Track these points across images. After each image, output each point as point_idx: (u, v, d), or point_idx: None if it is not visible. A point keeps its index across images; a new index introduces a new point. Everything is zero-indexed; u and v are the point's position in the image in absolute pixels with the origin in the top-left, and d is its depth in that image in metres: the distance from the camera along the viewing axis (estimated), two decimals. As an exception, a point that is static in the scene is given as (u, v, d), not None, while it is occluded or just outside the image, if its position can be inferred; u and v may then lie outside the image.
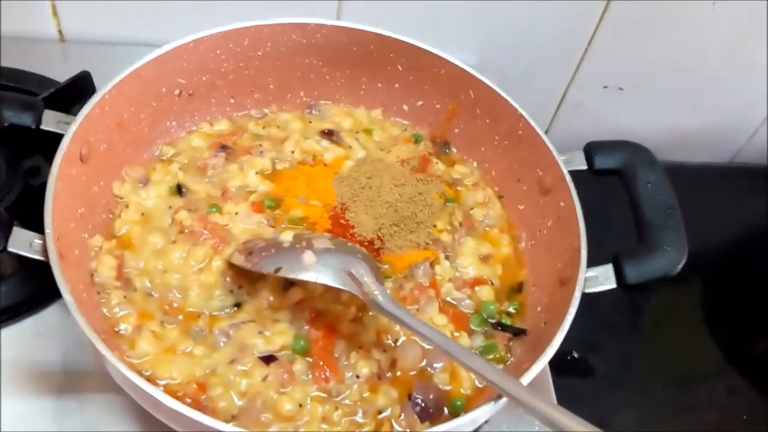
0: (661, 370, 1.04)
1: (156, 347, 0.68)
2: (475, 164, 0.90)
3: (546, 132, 1.30)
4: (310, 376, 0.68)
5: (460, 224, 0.82)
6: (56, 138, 0.70)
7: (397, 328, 0.71)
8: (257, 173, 0.82)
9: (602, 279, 0.71)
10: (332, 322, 0.71)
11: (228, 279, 0.73)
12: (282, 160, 0.84)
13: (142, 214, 0.77)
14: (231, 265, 0.73)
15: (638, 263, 0.70)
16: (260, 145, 0.85)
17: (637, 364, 1.06)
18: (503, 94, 0.82)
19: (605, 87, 1.25)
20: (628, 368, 1.06)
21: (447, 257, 0.79)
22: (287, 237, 0.72)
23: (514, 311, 0.78)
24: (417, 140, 0.90)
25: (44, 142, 0.71)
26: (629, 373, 1.05)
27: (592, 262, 0.71)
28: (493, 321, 0.76)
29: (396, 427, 0.67)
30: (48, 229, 0.62)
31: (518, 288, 0.80)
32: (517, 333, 0.75)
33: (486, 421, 0.62)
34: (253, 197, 0.80)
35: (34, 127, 0.70)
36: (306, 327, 0.70)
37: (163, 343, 0.69)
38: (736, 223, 1.25)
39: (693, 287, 1.14)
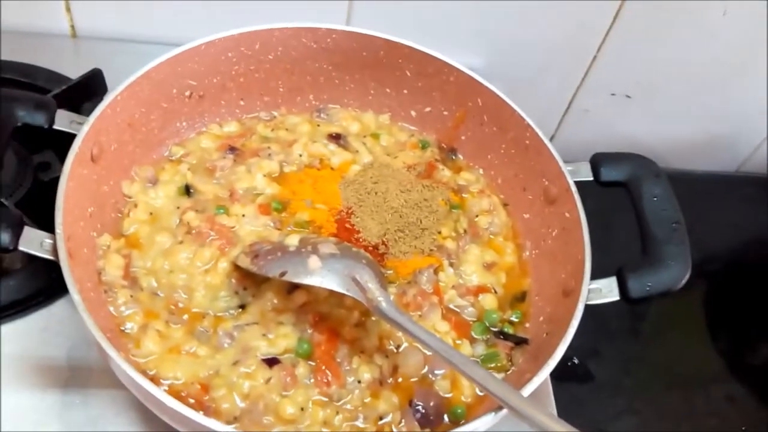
0: (661, 377, 1.04)
1: (161, 347, 0.69)
2: (481, 171, 0.90)
3: (552, 138, 1.32)
4: (312, 380, 0.68)
5: (465, 231, 0.83)
6: (67, 136, 0.71)
7: (400, 334, 0.72)
8: (265, 176, 0.82)
9: (605, 292, 0.71)
10: (335, 326, 0.72)
11: (233, 280, 0.73)
12: (289, 163, 0.85)
13: (151, 213, 0.78)
14: (236, 267, 0.74)
15: (641, 277, 0.70)
16: (268, 148, 0.85)
17: (637, 370, 1.06)
18: (511, 103, 0.82)
19: (613, 94, 1.25)
20: (628, 374, 1.06)
21: (451, 264, 0.79)
22: (293, 241, 0.73)
23: (516, 320, 0.78)
24: (424, 146, 0.91)
25: (55, 138, 0.72)
26: (629, 379, 1.05)
27: (596, 274, 0.71)
28: (496, 330, 0.76)
29: (396, 433, 0.68)
30: (59, 230, 0.63)
31: (521, 297, 0.80)
32: (519, 342, 0.75)
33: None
34: (260, 199, 0.80)
35: (46, 126, 0.70)
36: (309, 330, 0.71)
37: (168, 342, 0.69)
38: (740, 231, 1.25)
39: (695, 294, 1.14)
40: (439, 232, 0.81)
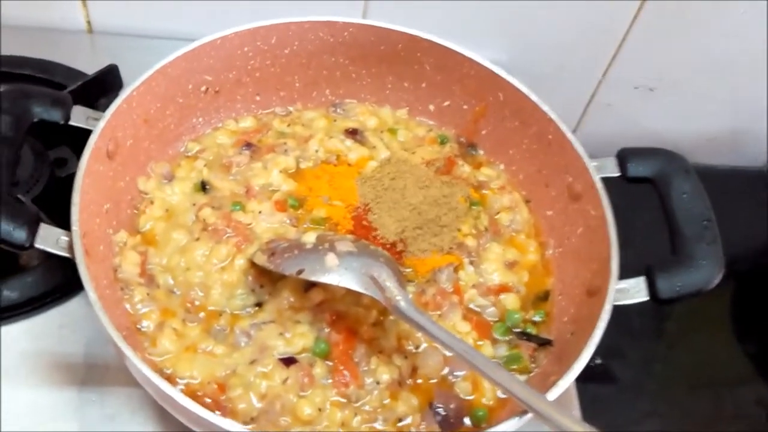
0: (686, 378, 1.01)
1: (177, 345, 0.68)
2: (502, 167, 0.88)
3: (573, 132, 1.29)
4: (330, 380, 0.67)
5: (486, 229, 0.81)
6: (83, 131, 0.70)
7: (419, 334, 0.71)
8: (281, 172, 0.81)
9: (633, 292, 0.69)
10: (353, 325, 0.70)
11: (250, 278, 0.72)
12: (306, 159, 0.83)
13: (167, 210, 0.77)
14: (253, 264, 0.73)
15: (672, 277, 0.68)
16: (284, 143, 0.84)
17: (662, 371, 1.04)
18: (533, 97, 0.80)
19: (636, 87, 1.22)
20: (652, 375, 1.04)
21: (471, 262, 0.78)
22: (310, 238, 0.72)
23: (539, 320, 0.76)
24: (443, 141, 0.89)
25: (71, 134, 0.71)
26: (653, 380, 1.03)
27: (622, 274, 0.69)
28: (518, 330, 0.74)
29: (416, 435, 0.66)
30: (75, 227, 0.62)
31: (544, 296, 0.78)
32: (542, 343, 0.73)
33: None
34: (276, 196, 0.79)
35: (62, 123, 0.70)
36: (326, 329, 0.70)
37: (184, 341, 0.69)
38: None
39: (722, 293, 1.11)
40: (459, 230, 0.79)
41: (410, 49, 0.85)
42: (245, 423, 0.64)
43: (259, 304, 0.72)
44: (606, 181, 0.75)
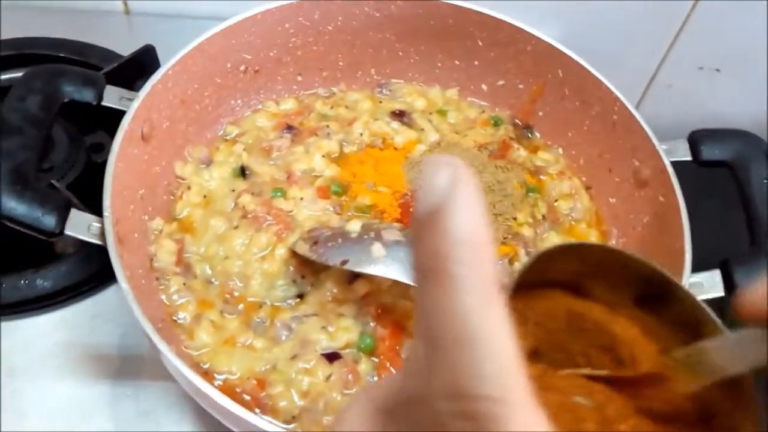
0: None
1: (215, 338, 0.65)
2: (560, 151, 0.83)
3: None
4: (375, 378, 0.63)
5: (544, 217, 0.75)
6: (120, 115, 0.67)
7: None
8: (323, 156, 0.77)
9: (707, 287, 0.63)
10: (400, 319, 0.66)
11: (291, 268, 0.68)
12: (349, 143, 0.79)
13: (204, 196, 0.73)
14: (294, 254, 0.68)
15: (751, 270, 0.62)
16: (327, 126, 0.80)
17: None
18: (597, 74, 0.75)
19: (700, 68, 1.15)
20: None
21: (527, 253, 0.72)
22: (355, 227, 0.67)
23: (602, 316, 0.71)
24: (496, 123, 0.84)
25: (107, 118, 0.68)
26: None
27: (695, 266, 0.63)
28: (579, 325, 0.69)
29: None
30: (107, 213, 0.59)
31: (607, 289, 0.72)
32: (606, 340, 0.68)
33: None
34: (318, 182, 0.75)
35: (95, 103, 0.66)
36: (372, 323, 0.65)
37: (222, 333, 0.65)
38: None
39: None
40: (515, 218, 0.74)
41: (461, 23, 0.80)
42: (286, 422, 0.60)
43: (300, 296, 0.68)
44: (677, 167, 0.69)
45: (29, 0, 1.04)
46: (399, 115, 0.83)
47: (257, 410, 0.61)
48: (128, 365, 0.73)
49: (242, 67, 0.78)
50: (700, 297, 0.61)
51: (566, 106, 0.80)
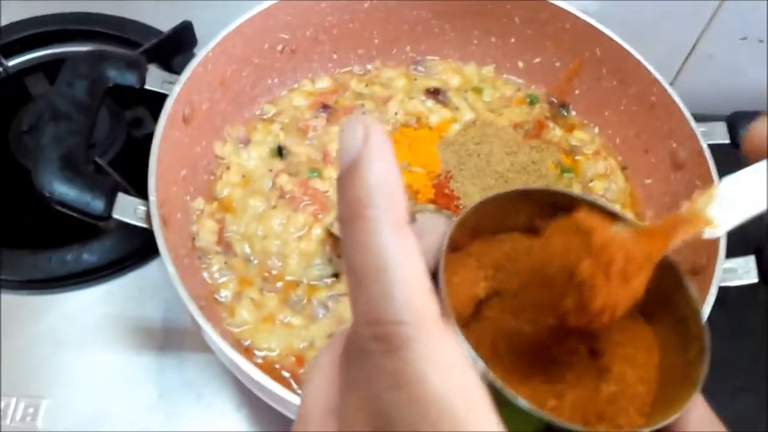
0: (782, 352, 0.95)
1: (255, 315, 0.67)
2: (596, 130, 0.82)
3: (671, 84, 1.20)
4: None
5: (578, 198, 0.75)
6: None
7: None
8: (359, 136, 0.77)
9: (741, 272, 0.63)
10: (435, 298, 0.67)
11: (327, 248, 0.70)
12: (384, 122, 0.79)
13: (243, 176, 0.75)
14: (330, 234, 0.70)
15: (787, 257, 0.62)
16: (362, 105, 0.80)
17: (756, 342, 0.98)
18: (636, 54, 0.74)
19: (743, 38, 1.12)
20: (744, 348, 0.97)
21: (562, 235, 0.73)
22: (390, 209, 0.68)
23: (634, 297, 0.71)
24: (532, 102, 0.83)
25: (146, 94, 0.69)
26: (745, 353, 0.97)
27: (730, 252, 0.63)
28: (611, 307, 0.70)
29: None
30: (152, 197, 0.61)
31: (640, 271, 0.73)
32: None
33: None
34: (355, 162, 0.76)
35: (138, 87, 0.68)
36: (406, 303, 0.67)
37: (262, 311, 0.67)
38: None
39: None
40: (549, 199, 0.74)
41: (499, 0, 0.79)
42: (324, 399, 0.62)
43: (336, 275, 0.69)
44: (715, 150, 0.69)
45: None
46: (434, 93, 0.83)
47: (296, 385, 0.63)
48: (172, 337, 0.76)
49: (279, 47, 0.79)
50: (734, 283, 0.63)
51: (603, 85, 0.79)
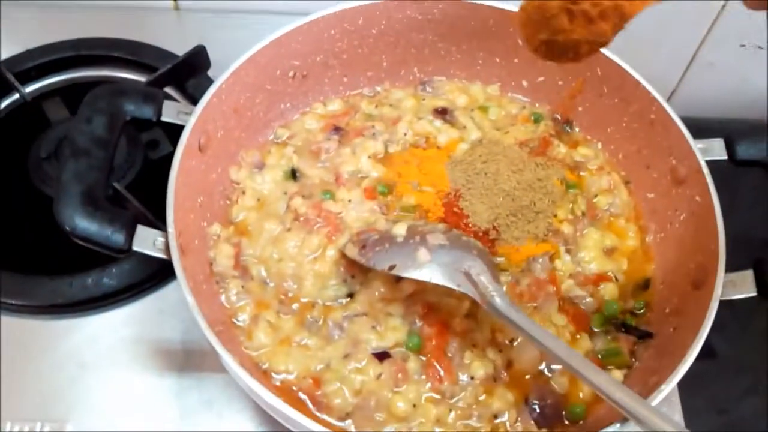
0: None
1: (272, 338, 0.69)
2: (599, 146, 0.84)
3: (673, 92, 1.22)
4: (423, 376, 0.67)
5: (583, 214, 0.77)
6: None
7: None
8: (370, 157, 0.80)
9: (740, 286, 0.65)
10: (445, 317, 0.69)
11: (341, 268, 0.72)
12: (394, 143, 0.82)
13: (258, 199, 0.77)
14: (344, 254, 0.72)
15: (785, 273, 0.64)
16: (373, 127, 0.82)
17: (763, 345, 0.99)
18: (635, 74, 0.76)
19: (742, 45, 1.13)
20: (755, 350, 0.99)
21: (568, 251, 0.75)
22: (401, 231, 0.70)
23: (639, 311, 0.73)
24: (537, 119, 0.85)
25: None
26: (755, 355, 0.98)
27: (729, 265, 0.65)
28: (617, 322, 0.72)
29: (513, 432, 0.66)
30: (170, 228, 0.63)
31: (645, 285, 0.75)
32: (643, 336, 0.70)
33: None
34: (365, 183, 0.78)
35: (155, 120, 0.70)
36: (419, 323, 0.69)
37: (279, 333, 0.69)
38: None
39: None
40: (555, 215, 0.77)
41: (502, 23, 0.81)
42: (341, 419, 0.65)
43: (350, 295, 0.71)
44: (713, 165, 0.71)
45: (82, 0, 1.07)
46: (441, 113, 0.85)
47: (313, 407, 0.65)
48: (192, 358, 0.78)
49: (291, 73, 0.81)
50: (733, 297, 0.65)
51: (605, 102, 0.81)
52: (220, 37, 0.99)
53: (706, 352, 0.95)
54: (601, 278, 0.74)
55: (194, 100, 0.91)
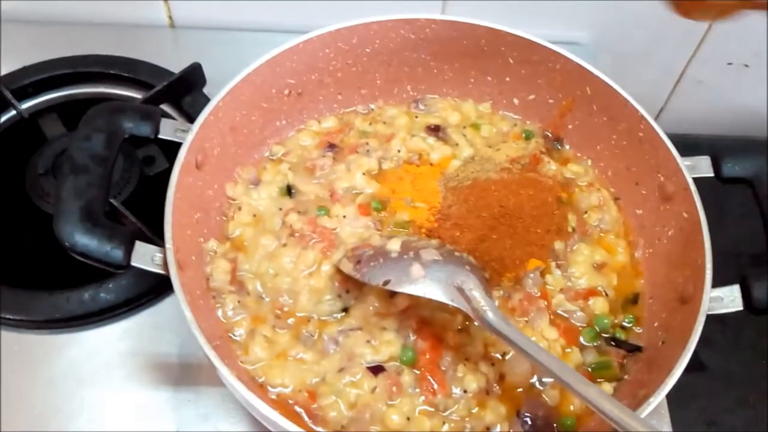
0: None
1: (268, 352, 0.70)
2: (589, 162, 0.86)
3: (661, 110, 1.24)
4: (417, 389, 0.68)
5: (573, 230, 0.79)
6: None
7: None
8: (364, 174, 0.81)
9: (727, 301, 0.67)
10: (439, 331, 0.70)
11: (336, 283, 0.73)
12: (388, 159, 0.83)
13: (254, 215, 0.78)
14: (338, 269, 0.73)
15: (769, 287, 0.65)
16: (367, 144, 0.84)
17: (753, 359, 1.01)
18: (623, 93, 0.77)
19: (729, 63, 1.16)
20: (743, 363, 1.00)
21: (558, 266, 0.76)
22: (395, 246, 0.72)
23: (629, 325, 0.75)
24: (527, 137, 0.87)
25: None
26: (743, 368, 1.00)
27: (716, 280, 0.67)
28: (607, 336, 0.73)
29: (504, 445, 0.67)
30: (168, 245, 0.64)
31: (634, 299, 0.76)
32: (632, 350, 0.72)
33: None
34: (360, 199, 0.79)
35: (152, 137, 0.71)
36: (412, 337, 0.70)
37: (275, 348, 0.70)
38: None
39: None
40: (546, 231, 0.78)
41: (494, 43, 0.83)
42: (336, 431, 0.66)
43: (345, 310, 0.72)
44: (700, 181, 0.72)
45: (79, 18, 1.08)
46: (434, 130, 0.86)
47: (308, 420, 0.66)
48: (188, 372, 0.79)
49: (286, 91, 0.83)
50: (720, 311, 0.66)
51: (594, 120, 0.82)
52: (216, 55, 1.01)
53: (694, 364, 0.96)
54: (591, 293, 0.75)
55: (190, 117, 0.93)
